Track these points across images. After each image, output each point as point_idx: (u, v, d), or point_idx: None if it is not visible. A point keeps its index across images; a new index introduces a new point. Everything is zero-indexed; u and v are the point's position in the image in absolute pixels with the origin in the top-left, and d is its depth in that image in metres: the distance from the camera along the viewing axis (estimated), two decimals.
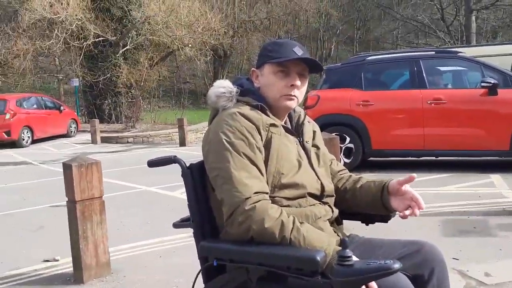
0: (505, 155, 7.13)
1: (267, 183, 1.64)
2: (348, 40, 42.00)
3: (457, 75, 8.05)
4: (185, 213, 1.84)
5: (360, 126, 7.64)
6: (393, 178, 1.81)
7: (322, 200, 1.76)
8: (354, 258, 1.36)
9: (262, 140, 1.67)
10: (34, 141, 15.69)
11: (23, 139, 15.12)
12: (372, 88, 7.77)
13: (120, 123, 20.02)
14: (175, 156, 1.84)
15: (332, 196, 1.82)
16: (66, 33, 18.91)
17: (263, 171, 1.64)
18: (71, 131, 17.95)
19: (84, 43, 19.22)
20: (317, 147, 1.89)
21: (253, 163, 1.62)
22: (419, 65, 7.50)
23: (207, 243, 1.68)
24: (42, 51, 20.28)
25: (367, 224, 1.99)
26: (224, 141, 1.63)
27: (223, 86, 1.79)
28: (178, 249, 4.26)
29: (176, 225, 1.93)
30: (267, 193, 1.62)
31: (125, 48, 20.44)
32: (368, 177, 1.91)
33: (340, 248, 1.38)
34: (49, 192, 7.26)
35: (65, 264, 3.96)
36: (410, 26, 34.97)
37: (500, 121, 6.94)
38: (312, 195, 1.72)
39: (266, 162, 1.66)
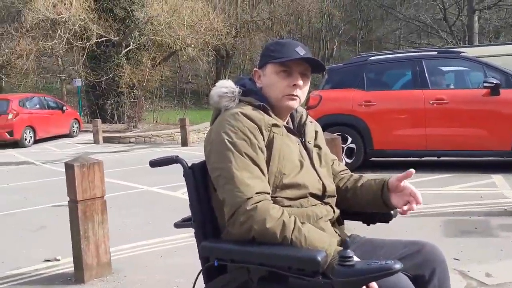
0: (507, 155, 7.12)
1: (269, 183, 1.64)
2: (351, 40, 41.98)
3: (459, 75, 8.04)
4: (187, 213, 1.84)
5: (362, 126, 7.63)
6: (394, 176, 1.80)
7: (324, 201, 1.76)
8: (355, 259, 1.36)
9: (264, 140, 1.67)
10: (36, 141, 15.70)
11: (26, 139, 15.15)
12: (374, 88, 7.77)
13: (122, 123, 20.04)
14: (177, 156, 1.84)
15: (334, 196, 1.82)
16: (69, 33, 18.93)
17: (265, 171, 1.64)
18: (74, 131, 17.97)
19: (87, 43, 19.25)
20: (319, 147, 1.89)
21: (255, 163, 1.62)
22: (422, 65, 7.50)
23: (208, 243, 1.68)
24: (45, 51, 20.32)
25: (368, 224, 1.99)
26: (226, 141, 1.63)
27: (226, 86, 1.79)
28: (179, 249, 4.26)
29: (178, 225, 1.93)
30: (268, 193, 1.62)
31: (127, 48, 20.46)
32: (369, 177, 1.91)
33: (341, 248, 1.39)
34: (50, 192, 7.27)
35: (66, 264, 3.96)
36: (413, 26, 34.93)
37: (502, 121, 6.93)
38: (313, 195, 1.72)
39: (268, 162, 1.66)
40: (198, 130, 15.27)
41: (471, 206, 5.28)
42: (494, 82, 6.91)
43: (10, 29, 21.14)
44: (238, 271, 1.60)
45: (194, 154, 10.73)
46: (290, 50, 1.75)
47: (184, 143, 13.50)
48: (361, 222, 1.99)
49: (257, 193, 1.57)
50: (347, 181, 1.91)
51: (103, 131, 16.08)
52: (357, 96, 7.70)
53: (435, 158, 7.95)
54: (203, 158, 1.75)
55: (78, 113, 20.90)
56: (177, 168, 1.83)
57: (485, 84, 6.98)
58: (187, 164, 1.79)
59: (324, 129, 2.25)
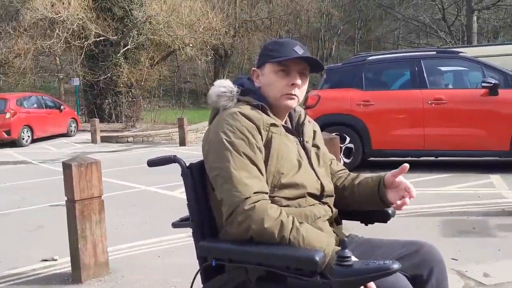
0: (505, 155, 7.13)
1: (267, 183, 1.64)
2: (349, 40, 42.00)
3: (458, 75, 8.04)
4: (185, 212, 1.84)
5: (360, 126, 7.63)
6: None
7: (322, 200, 1.75)
8: (353, 258, 1.36)
9: (262, 139, 1.67)
10: (34, 140, 15.68)
11: (23, 138, 15.12)
12: (373, 88, 7.77)
13: (120, 122, 20.02)
14: (175, 155, 1.83)
15: (332, 196, 1.82)
16: (67, 33, 18.92)
17: (263, 171, 1.64)
18: (71, 131, 17.94)
19: (85, 42, 19.23)
20: (317, 147, 1.88)
21: (253, 163, 1.62)
22: (420, 65, 7.50)
23: (206, 243, 1.67)
24: (43, 50, 20.29)
25: (366, 224, 1.99)
26: (225, 140, 1.63)
27: (224, 85, 1.79)
28: (177, 249, 4.25)
29: (175, 225, 1.93)
30: (266, 193, 1.61)
31: (126, 48, 20.44)
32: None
33: (339, 248, 1.38)
34: (48, 191, 7.25)
35: (64, 264, 3.95)
36: (411, 26, 34.97)
37: (500, 121, 6.94)
38: (311, 195, 1.72)
39: (266, 161, 1.66)
40: (196, 129, 15.27)
41: (469, 206, 5.28)
42: (493, 82, 6.91)
43: (8, 28, 21.12)
44: (236, 271, 1.59)
45: (192, 153, 10.72)
46: (289, 50, 1.74)
47: (182, 142, 13.49)
48: (359, 222, 1.99)
49: (255, 192, 1.56)
50: (345, 180, 1.91)
51: (101, 131, 16.07)
52: (355, 96, 7.70)
53: (433, 158, 7.96)
54: (201, 158, 1.74)
55: (76, 113, 20.89)
56: (175, 168, 1.83)
57: (483, 84, 6.99)
58: (185, 163, 1.78)
59: (322, 129, 2.24)
